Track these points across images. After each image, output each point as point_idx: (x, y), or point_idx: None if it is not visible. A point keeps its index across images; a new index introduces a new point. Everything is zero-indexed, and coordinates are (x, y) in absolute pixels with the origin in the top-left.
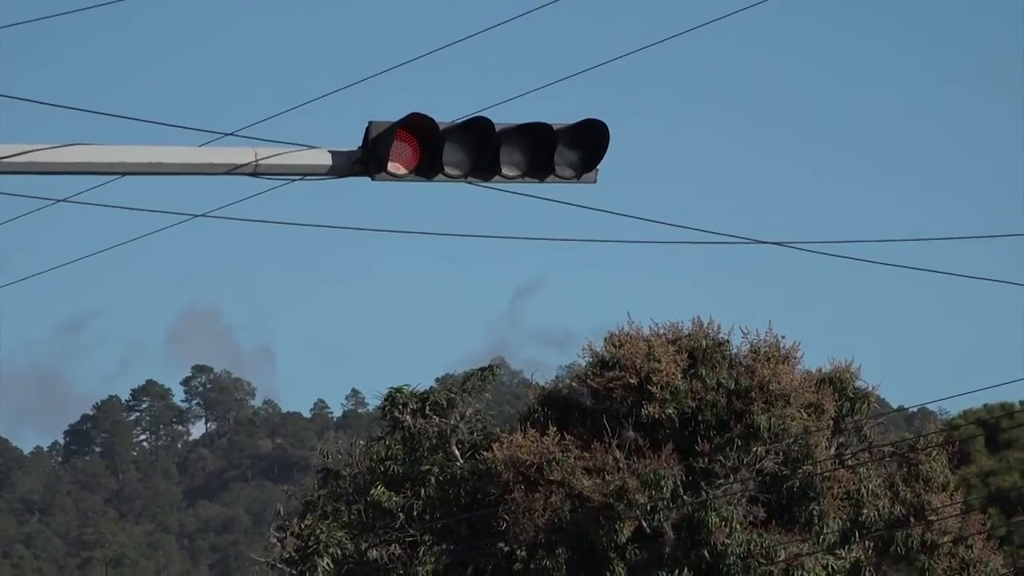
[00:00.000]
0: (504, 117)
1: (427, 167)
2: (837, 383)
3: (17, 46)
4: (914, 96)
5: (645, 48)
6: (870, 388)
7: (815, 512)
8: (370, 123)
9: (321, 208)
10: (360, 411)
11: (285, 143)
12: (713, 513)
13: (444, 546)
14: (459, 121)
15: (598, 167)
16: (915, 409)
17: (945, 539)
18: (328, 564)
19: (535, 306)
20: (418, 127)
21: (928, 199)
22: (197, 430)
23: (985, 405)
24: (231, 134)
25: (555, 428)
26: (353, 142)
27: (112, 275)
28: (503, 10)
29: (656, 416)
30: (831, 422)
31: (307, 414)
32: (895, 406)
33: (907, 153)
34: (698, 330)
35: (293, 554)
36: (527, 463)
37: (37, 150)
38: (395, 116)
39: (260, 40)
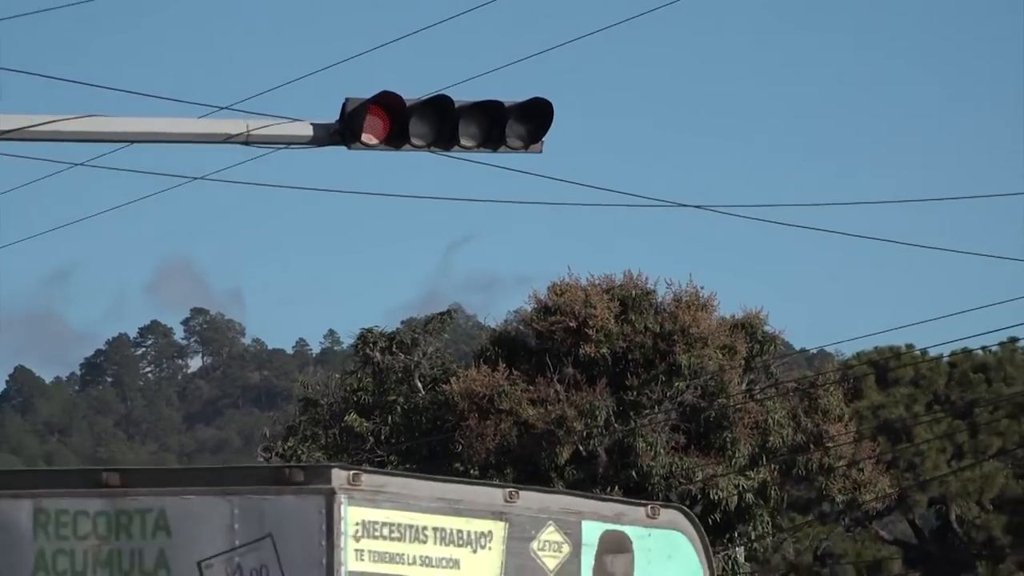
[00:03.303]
0: (463, 95)
1: (395, 138)
2: (748, 328)
3: (43, 30)
4: (824, 71)
5: (589, 35)
6: (776, 332)
7: (728, 439)
8: (346, 99)
9: (301, 174)
10: (336, 348)
11: (273, 116)
12: (640, 439)
13: (408, 466)
14: (423, 98)
15: (543, 139)
16: (815, 351)
17: (840, 463)
18: None
19: (481, 256)
20: (388, 103)
21: (833, 167)
22: (195, 363)
23: (875, 348)
24: (226, 108)
25: (504, 365)
26: (331, 116)
27: (124, 230)
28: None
29: (592, 355)
30: (742, 361)
31: (290, 351)
32: (798, 348)
33: (811, 122)
34: (628, 281)
35: None
36: (480, 395)
37: (58, 120)
38: (368, 93)
39: (251, 24)
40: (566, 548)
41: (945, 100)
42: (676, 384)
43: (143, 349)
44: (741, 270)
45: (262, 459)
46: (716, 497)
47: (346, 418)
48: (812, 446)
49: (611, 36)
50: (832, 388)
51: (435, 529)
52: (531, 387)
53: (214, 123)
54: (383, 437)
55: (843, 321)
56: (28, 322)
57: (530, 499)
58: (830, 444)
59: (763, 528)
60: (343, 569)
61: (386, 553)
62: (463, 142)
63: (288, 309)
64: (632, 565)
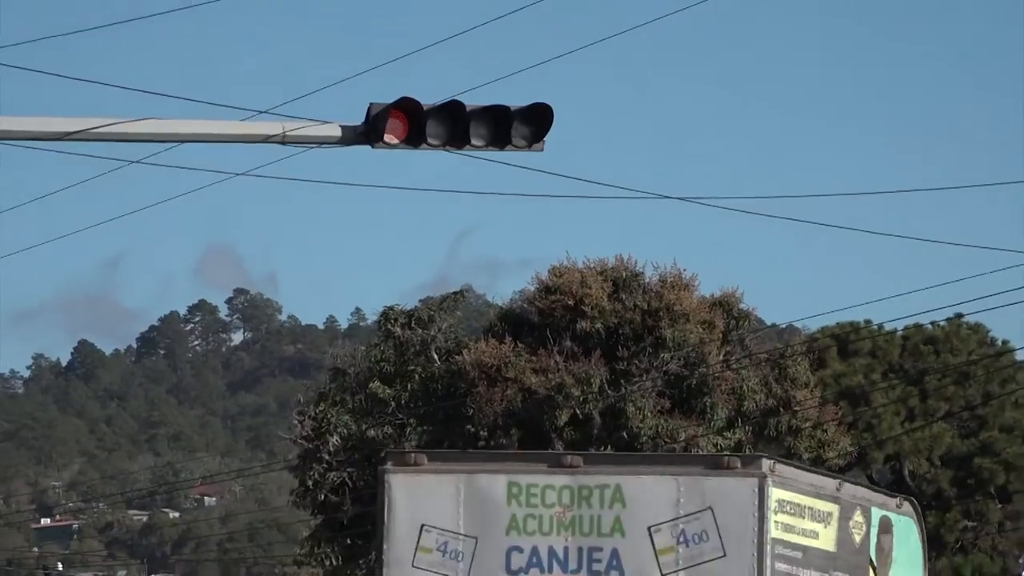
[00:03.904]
0: (474, 100)
1: (414, 138)
2: (725, 305)
3: (103, 41)
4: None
5: (586, 47)
6: (750, 309)
7: (708, 403)
8: (370, 104)
9: (330, 170)
10: (361, 324)
11: (306, 119)
12: (630, 404)
13: (425, 427)
14: (439, 103)
15: (544, 139)
16: (784, 326)
17: (806, 425)
18: (336, 440)
19: (487, 243)
20: (407, 107)
21: (798, 163)
22: (237, 338)
23: (837, 323)
24: (264, 112)
25: (510, 338)
26: (357, 119)
27: (174, 220)
28: (478, 14)
29: (587, 330)
30: (720, 335)
31: (321, 326)
32: (769, 323)
33: (778, 124)
34: (620, 264)
35: (310, 432)
36: (489, 365)
37: (118, 123)
38: (390, 98)
39: (286, 38)
40: (863, 528)
41: (904, 97)
42: (662, 355)
43: (191, 325)
44: (719, 254)
45: (296, 421)
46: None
47: (370, 385)
48: (782, 410)
49: (605, 48)
50: (799, 358)
51: (808, 507)
52: (534, 358)
53: (254, 125)
54: (403, 402)
55: (809, 299)
56: (89, 301)
57: (848, 489)
58: (798, 408)
59: None
60: (768, 536)
61: (788, 525)
62: (474, 142)
63: (319, 289)
64: (892, 544)
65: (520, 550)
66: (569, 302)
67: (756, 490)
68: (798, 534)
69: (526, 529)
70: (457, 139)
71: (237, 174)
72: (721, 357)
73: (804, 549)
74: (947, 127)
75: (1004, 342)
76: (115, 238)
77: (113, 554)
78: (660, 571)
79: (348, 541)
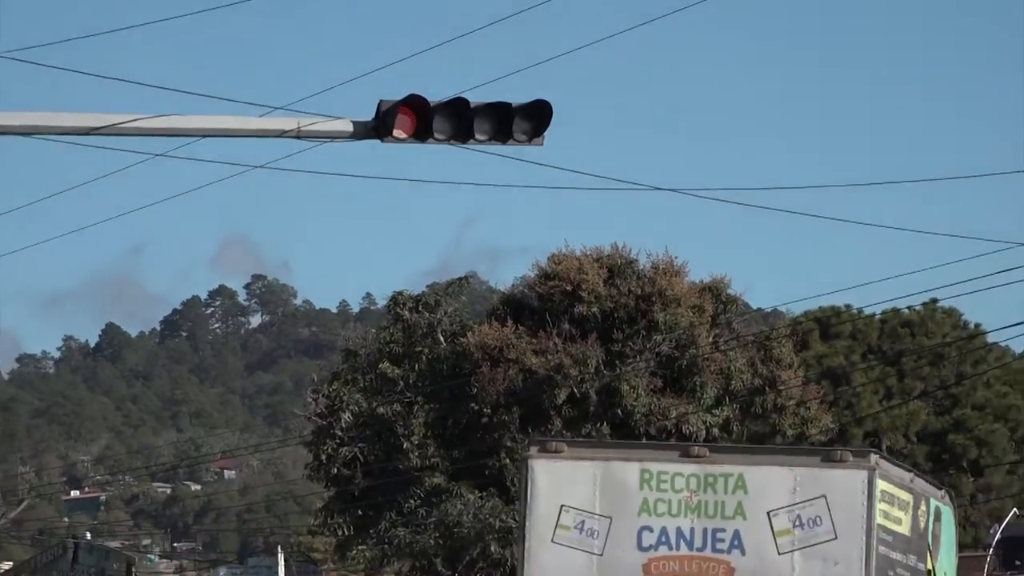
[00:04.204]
0: (478, 96)
1: (421, 133)
2: (714, 291)
3: (127, 40)
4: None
5: (585, 47)
6: (737, 294)
7: (697, 383)
8: (380, 101)
9: (342, 163)
10: (372, 308)
11: (319, 115)
12: (625, 383)
13: (432, 405)
14: (445, 100)
15: (544, 134)
16: (770, 309)
17: (790, 403)
18: (348, 417)
19: (490, 231)
20: (415, 104)
21: (786, 156)
22: (255, 321)
23: (820, 307)
24: (280, 108)
25: (512, 322)
26: (368, 115)
27: (195, 210)
28: (483, 15)
29: (584, 313)
30: (710, 319)
31: (334, 310)
32: (755, 307)
33: (764, 120)
34: (615, 252)
35: (323, 410)
36: (492, 346)
37: (141, 118)
38: (399, 95)
39: (300, 39)
40: (926, 516)
41: (885, 92)
42: (654, 337)
43: (212, 309)
44: (709, 242)
45: (311, 399)
46: (687, 431)
47: (380, 366)
48: (767, 389)
49: (603, 48)
50: (784, 341)
51: (897, 497)
52: (534, 340)
53: (271, 121)
54: (411, 381)
55: (793, 285)
56: (116, 286)
57: (918, 481)
58: (782, 387)
59: None
60: (875, 523)
61: (885, 512)
62: (477, 136)
63: (332, 275)
64: (941, 530)
65: (650, 529)
66: (567, 287)
67: (866, 481)
68: (891, 520)
69: (656, 511)
70: (462, 134)
71: (255, 167)
72: (710, 339)
73: (893, 534)
74: (926, 121)
75: (976, 325)
76: (140, 227)
77: (138, 524)
78: (777, 551)
79: (359, 512)
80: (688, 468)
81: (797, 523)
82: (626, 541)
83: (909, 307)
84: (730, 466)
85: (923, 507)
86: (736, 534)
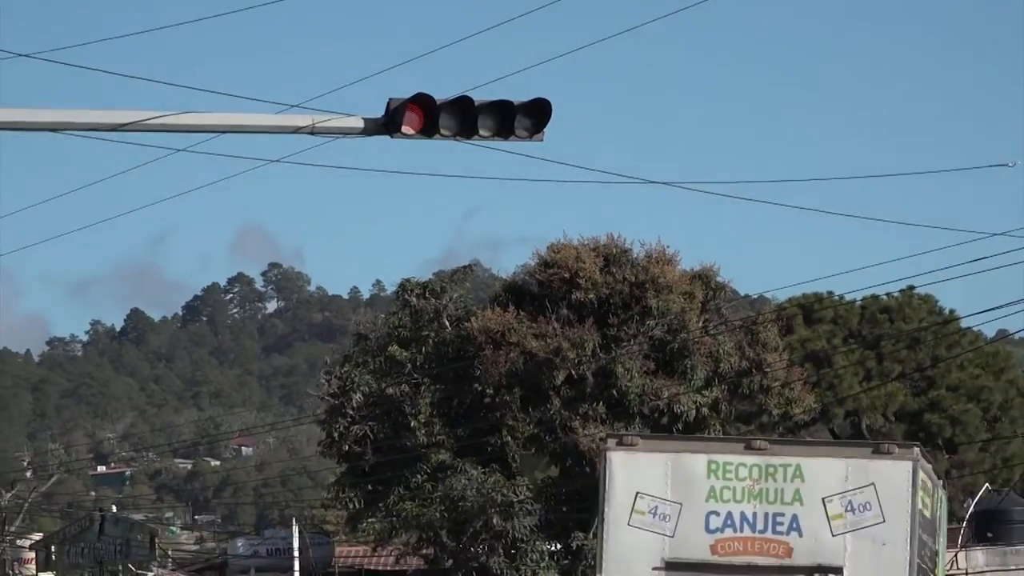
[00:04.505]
0: (482, 95)
1: (428, 129)
2: (704, 278)
3: (152, 41)
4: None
5: (584, 47)
6: (726, 282)
7: (688, 365)
8: (390, 99)
9: (353, 158)
10: (381, 294)
11: (332, 112)
12: (619, 365)
13: (437, 386)
14: (450, 98)
15: (544, 130)
16: (756, 296)
17: (775, 384)
18: (359, 397)
19: (491, 222)
20: (422, 102)
21: (772, 150)
22: (271, 306)
23: (803, 294)
24: (295, 106)
25: (513, 307)
26: (378, 112)
27: (214, 202)
28: (487, 17)
29: (582, 300)
30: (700, 304)
31: (345, 296)
32: (743, 294)
33: (754, 116)
34: (610, 242)
35: (336, 390)
36: (494, 330)
37: (165, 115)
38: (407, 94)
39: (313, 41)
40: (939, 503)
41: (862, 88)
42: (647, 322)
43: (230, 295)
44: (699, 232)
45: (324, 380)
46: (679, 411)
47: (389, 348)
48: (754, 371)
49: (601, 48)
50: (769, 325)
51: (926, 484)
52: (534, 325)
53: (286, 118)
54: (418, 364)
55: (778, 272)
56: (140, 274)
57: (927, 468)
58: (768, 369)
59: (715, 435)
60: (916, 508)
61: (920, 499)
62: (481, 132)
63: (344, 263)
64: (943, 515)
65: (717, 514)
66: (565, 275)
67: (910, 471)
68: (924, 506)
69: (722, 497)
70: (467, 130)
71: (271, 161)
72: (700, 324)
73: (923, 518)
74: (909, 118)
75: (951, 311)
76: (163, 218)
77: (161, 498)
78: (831, 533)
79: (369, 487)
80: (750, 459)
81: (849, 508)
82: (695, 524)
83: (887, 294)
84: (789, 457)
85: (938, 493)
86: (794, 518)
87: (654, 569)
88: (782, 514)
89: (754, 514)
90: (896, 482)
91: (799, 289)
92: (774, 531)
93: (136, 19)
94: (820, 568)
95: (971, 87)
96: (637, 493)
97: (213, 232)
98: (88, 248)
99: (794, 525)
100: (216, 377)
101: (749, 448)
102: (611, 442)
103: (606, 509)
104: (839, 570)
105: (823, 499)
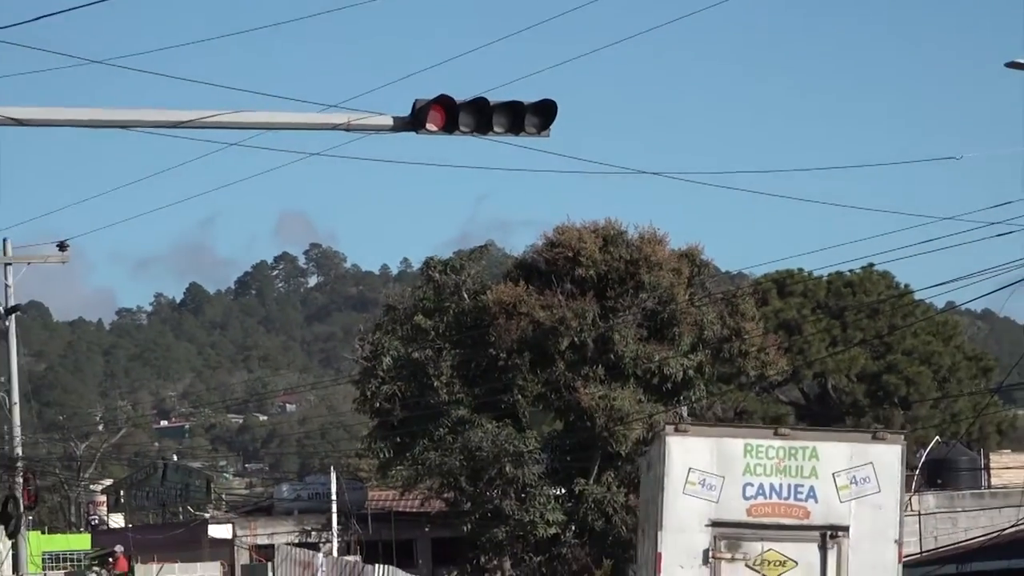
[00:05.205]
0: (497, 95)
1: (449, 126)
2: (690, 256)
3: (208, 50)
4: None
5: (586, 55)
6: (709, 259)
7: (676, 333)
8: (415, 100)
9: (383, 151)
10: (408, 270)
11: (365, 111)
12: (616, 333)
13: (457, 351)
14: (469, 99)
15: (550, 127)
16: (736, 272)
17: (752, 349)
18: (389, 360)
19: (502, 206)
20: (444, 102)
21: (753, 141)
22: (312, 280)
23: (777, 270)
24: (332, 106)
25: (523, 282)
26: (405, 111)
27: (262, 189)
28: (500, 27)
29: (583, 275)
30: (686, 279)
31: (377, 272)
32: (724, 270)
33: (739, 111)
34: (608, 224)
35: (368, 354)
36: (507, 302)
37: (220, 114)
38: (431, 95)
39: (349, 48)
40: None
41: (839, 90)
42: (641, 295)
43: (276, 271)
44: (686, 215)
45: (358, 345)
46: (668, 372)
47: (415, 318)
48: (734, 337)
49: (603, 55)
50: (747, 298)
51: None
52: (541, 297)
53: (325, 116)
54: (440, 331)
55: (755, 251)
56: (197, 252)
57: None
58: (746, 336)
59: (700, 393)
60: (903, 480)
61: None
62: (495, 129)
63: (375, 243)
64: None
65: (752, 485)
66: (569, 254)
67: (900, 452)
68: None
69: (755, 472)
70: (483, 127)
71: (311, 154)
72: (686, 296)
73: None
74: (867, 112)
75: (906, 286)
76: (218, 203)
77: (216, 448)
78: (839, 500)
79: (398, 439)
80: (777, 443)
81: (853, 481)
82: (735, 492)
83: (850, 271)
84: (807, 441)
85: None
86: (811, 488)
87: (704, 526)
88: (802, 485)
89: (780, 485)
90: (889, 461)
91: (773, 266)
92: (795, 498)
93: (197, 29)
94: (831, 527)
95: (928, 86)
96: (689, 468)
97: (261, 216)
98: (152, 230)
99: (811, 494)
100: (264, 343)
101: (776, 434)
102: (669, 428)
103: (665, 481)
104: (846, 528)
105: (833, 474)
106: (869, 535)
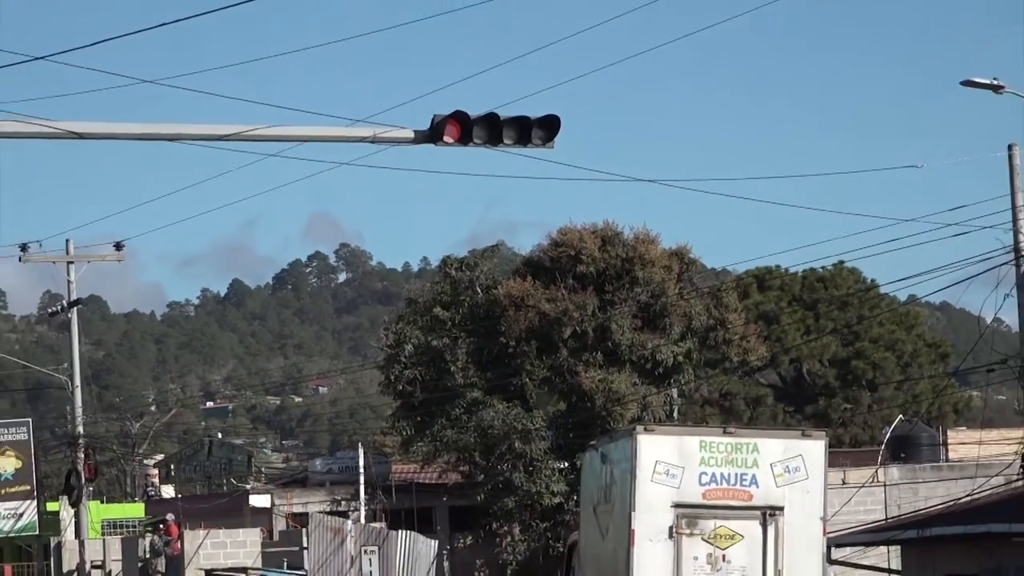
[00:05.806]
0: (506, 111)
1: (464, 139)
2: (680, 255)
3: (249, 71)
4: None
5: (589, 74)
6: (697, 257)
7: (667, 323)
8: (434, 115)
9: (405, 161)
10: (427, 267)
11: (388, 125)
12: (614, 323)
13: (471, 339)
14: (481, 114)
15: (555, 139)
16: (720, 268)
17: (735, 337)
18: (410, 348)
19: (510, 209)
20: (459, 117)
21: (742, 148)
22: (342, 276)
23: (757, 267)
24: (359, 120)
25: (530, 277)
26: (424, 125)
27: (296, 195)
28: (512, 49)
29: (584, 271)
30: (676, 275)
31: (400, 268)
32: (710, 266)
33: (725, 119)
34: (606, 226)
35: (392, 343)
36: (516, 296)
37: (259, 128)
38: (447, 110)
39: (373, 68)
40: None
41: (810, 90)
42: (635, 289)
43: (310, 268)
44: (676, 218)
45: (383, 334)
46: (660, 359)
47: (434, 310)
48: (718, 327)
49: (601, 75)
50: (730, 291)
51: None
52: (547, 291)
53: (353, 130)
54: (456, 322)
55: (738, 250)
56: (239, 251)
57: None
58: (730, 326)
59: (689, 377)
60: (826, 468)
61: None
62: (505, 141)
63: (398, 243)
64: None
65: (706, 474)
66: (571, 253)
67: (824, 447)
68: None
69: (708, 463)
70: (494, 139)
71: (341, 163)
72: (676, 290)
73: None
74: (837, 121)
75: (872, 280)
76: (257, 208)
77: (256, 427)
78: (776, 485)
79: (418, 418)
80: (726, 440)
81: (787, 470)
82: (692, 480)
83: (823, 267)
84: (750, 438)
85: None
86: (753, 476)
87: (669, 508)
88: (746, 474)
89: (729, 474)
90: (816, 454)
91: (754, 263)
92: (741, 484)
93: (241, 51)
94: (770, 507)
95: (892, 101)
96: (656, 460)
97: (295, 218)
98: (199, 232)
99: (754, 480)
100: (299, 332)
101: (725, 433)
102: (640, 427)
103: (637, 471)
104: (781, 508)
105: (771, 464)
106: (800, 514)
